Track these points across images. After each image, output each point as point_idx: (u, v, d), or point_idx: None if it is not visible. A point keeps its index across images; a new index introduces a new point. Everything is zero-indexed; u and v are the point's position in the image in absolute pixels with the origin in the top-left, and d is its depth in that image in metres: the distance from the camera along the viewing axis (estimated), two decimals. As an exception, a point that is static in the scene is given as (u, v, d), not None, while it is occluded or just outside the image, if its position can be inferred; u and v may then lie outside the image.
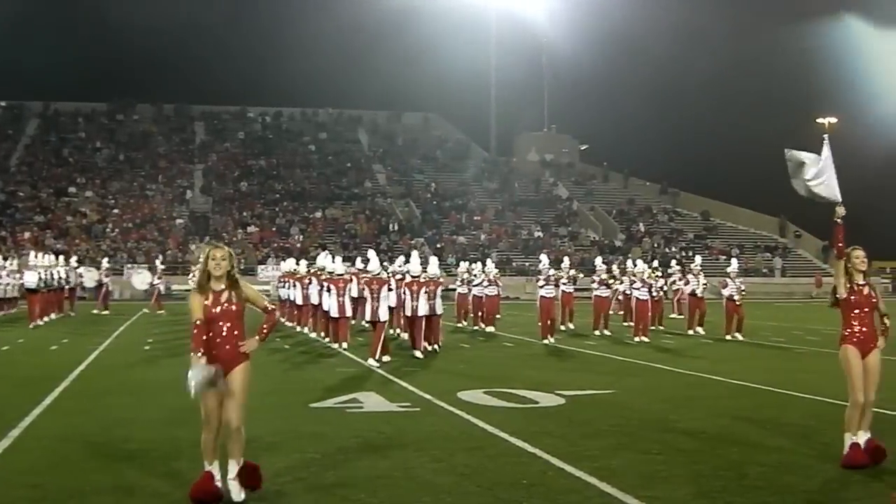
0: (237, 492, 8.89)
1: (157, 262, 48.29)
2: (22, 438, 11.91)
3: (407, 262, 25.81)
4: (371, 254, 24.70)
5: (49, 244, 64.52)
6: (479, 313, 33.47)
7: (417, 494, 9.13)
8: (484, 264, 35.18)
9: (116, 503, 8.92)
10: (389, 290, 23.07)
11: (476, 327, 32.91)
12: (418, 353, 22.73)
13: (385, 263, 29.47)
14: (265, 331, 9.17)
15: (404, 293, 24.01)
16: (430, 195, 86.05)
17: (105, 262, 47.09)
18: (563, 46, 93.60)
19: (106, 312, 42.09)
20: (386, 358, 21.80)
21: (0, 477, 9.82)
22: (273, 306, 9.42)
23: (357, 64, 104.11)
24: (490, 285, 32.79)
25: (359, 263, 26.72)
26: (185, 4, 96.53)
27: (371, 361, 21.23)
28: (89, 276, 46.11)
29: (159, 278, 46.47)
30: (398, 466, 10.29)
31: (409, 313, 23.76)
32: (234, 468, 8.93)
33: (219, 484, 8.90)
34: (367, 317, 22.74)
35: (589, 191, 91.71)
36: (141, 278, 45.30)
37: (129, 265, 65.40)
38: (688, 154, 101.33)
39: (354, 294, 25.58)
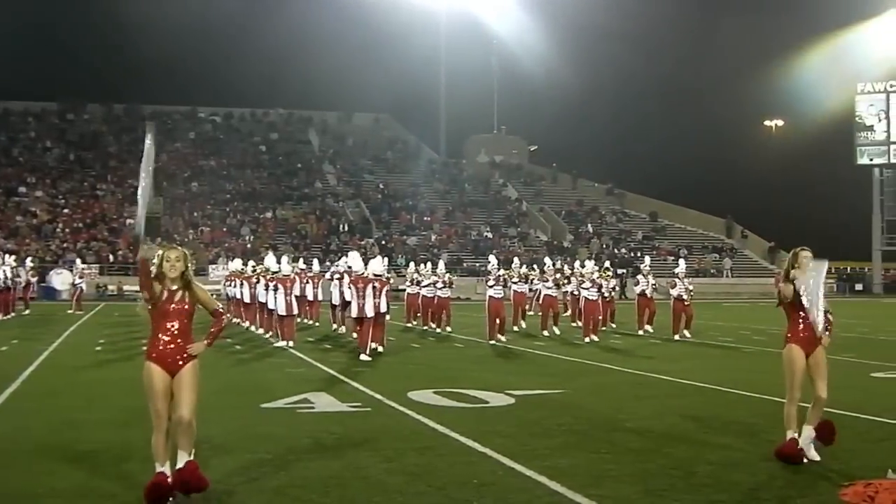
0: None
1: (78, 263, 48.11)
2: (-29, 440, 11.84)
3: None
4: (354, 254, 25.97)
5: (-1, 244, 64.05)
6: (430, 314, 33.37)
7: (369, 494, 9.16)
8: (436, 265, 35.00)
9: (68, 505, 8.88)
10: (374, 287, 23.48)
11: (426, 327, 32.81)
12: (364, 356, 22.45)
13: (327, 263, 30.71)
14: (213, 334, 9.21)
15: (351, 291, 24.34)
16: (380, 196, 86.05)
17: (29, 262, 46.80)
18: (514, 48, 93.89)
19: (80, 313, 41.85)
20: (379, 348, 23.65)
21: (-50, 478, 9.76)
22: (222, 310, 9.44)
23: (307, 64, 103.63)
24: (444, 287, 32.57)
25: (301, 264, 29.04)
26: (136, 5, 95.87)
27: (363, 357, 22.21)
28: (60, 279, 45.70)
29: (80, 278, 46.30)
30: (349, 466, 10.32)
31: (355, 314, 23.77)
32: (183, 458, 8.86)
33: (171, 481, 8.86)
34: (354, 313, 23.54)
35: (538, 192, 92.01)
36: (61, 279, 45.06)
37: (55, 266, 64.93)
38: (636, 155, 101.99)
39: (297, 293, 27.18)
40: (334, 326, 31.63)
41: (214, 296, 9.53)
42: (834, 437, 10.57)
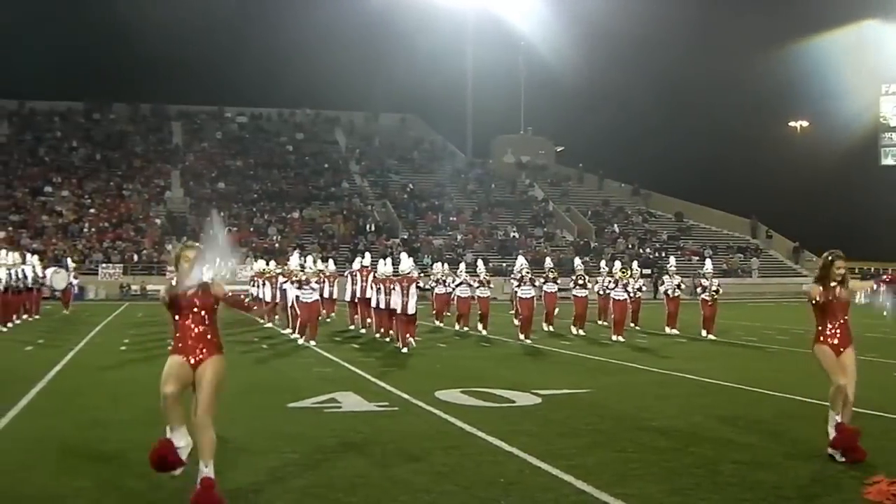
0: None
1: (69, 262, 48.28)
2: (-2, 440, 11.93)
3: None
4: (403, 255, 27.29)
5: (25, 244, 64.29)
6: (465, 315, 32.87)
7: (395, 494, 9.17)
8: (475, 266, 34.38)
9: (93, 504, 8.93)
10: (419, 287, 26.01)
11: (462, 328, 32.26)
12: (405, 349, 24.30)
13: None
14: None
15: (392, 290, 25.76)
16: (406, 196, 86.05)
17: (70, 263, 46.94)
18: (540, 49, 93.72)
19: (66, 313, 42.04)
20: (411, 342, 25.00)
21: (-23, 477, 9.83)
22: (248, 299, 9.43)
23: (334, 65, 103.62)
24: (482, 286, 32.14)
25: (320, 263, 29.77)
26: (162, 4, 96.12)
27: (404, 350, 24.24)
28: (59, 279, 45.66)
29: (75, 278, 46.46)
30: (376, 466, 10.35)
31: (399, 311, 25.33)
32: (202, 472, 8.66)
33: (179, 452, 8.86)
34: (399, 310, 25.14)
35: (564, 192, 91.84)
36: (60, 277, 45.13)
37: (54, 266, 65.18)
38: (661, 156, 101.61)
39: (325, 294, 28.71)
40: (351, 325, 32.94)
41: (243, 296, 9.55)
42: (853, 452, 10.50)
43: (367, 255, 34.27)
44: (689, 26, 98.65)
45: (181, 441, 8.92)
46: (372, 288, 29.12)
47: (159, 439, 8.90)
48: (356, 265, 33.24)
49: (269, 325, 33.27)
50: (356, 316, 32.90)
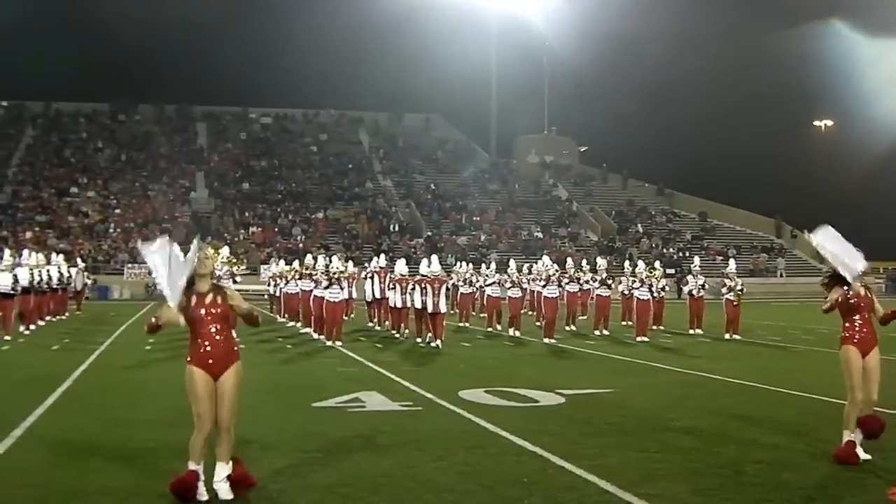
0: (225, 491, 8.96)
1: (78, 261, 48.52)
2: (24, 438, 11.97)
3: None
4: (434, 258, 28.18)
5: (51, 244, 64.62)
6: (495, 314, 32.72)
7: (419, 493, 9.20)
8: (507, 266, 34.11)
9: (118, 503, 8.97)
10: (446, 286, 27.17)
11: (490, 328, 32.02)
12: (437, 343, 25.62)
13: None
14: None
15: (424, 291, 26.60)
16: (430, 196, 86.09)
17: (80, 263, 47.04)
18: (564, 49, 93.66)
19: (79, 313, 42.23)
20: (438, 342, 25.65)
21: (2, 476, 9.89)
22: (257, 313, 9.44)
23: (358, 65, 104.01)
24: (513, 286, 31.81)
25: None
26: (187, 4, 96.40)
27: (437, 343, 25.48)
28: (77, 279, 45.64)
29: (89, 277, 46.55)
30: (400, 465, 10.36)
31: (431, 310, 26.35)
32: (222, 471, 8.98)
33: (200, 485, 8.92)
34: (430, 309, 26.15)
35: (588, 192, 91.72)
36: (78, 279, 44.98)
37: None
38: (685, 155, 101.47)
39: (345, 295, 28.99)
40: (369, 323, 34.30)
41: (266, 296, 9.60)
42: (877, 431, 10.48)
43: (383, 256, 35.44)
44: (714, 26, 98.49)
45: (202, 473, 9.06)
46: (389, 287, 30.12)
47: (187, 471, 8.97)
48: (373, 265, 34.24)
49: (292, 324, 33.48)
50: (374, 315, 34.07)
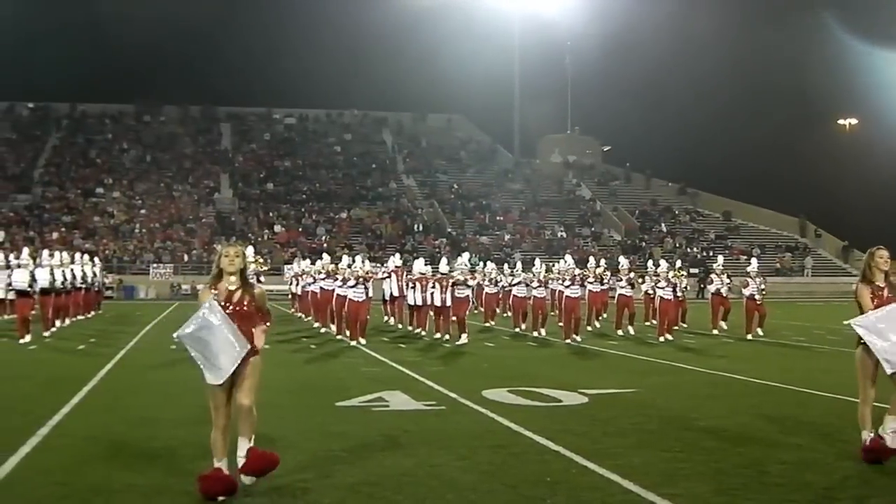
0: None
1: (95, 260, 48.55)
2: (50, 437, 11.99)
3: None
4: (444, 260, 31.00)
5: (77, 244, 64.95)
6: (522, 314, 32.41)
7: (442, 492, 9.18)
8: (532, 265, 34.11)
9: (143, 501, 8.98)
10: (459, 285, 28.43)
11: (517, 329, 31.92)
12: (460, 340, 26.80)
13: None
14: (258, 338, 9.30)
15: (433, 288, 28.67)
16: (453, 196, 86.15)
17: (97, 262, 46.85)
18: (587, 48, 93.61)
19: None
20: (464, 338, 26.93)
21: (29, 475, 9.92)
22: (267, 325, 9.44)
23: (381, 65, 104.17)
24: (540, 286, 31.36)
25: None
26: (212, 6, 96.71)
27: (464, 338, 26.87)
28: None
29: (106, 277, 46.54)
30: (423, 464, 10.35)
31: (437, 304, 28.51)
32: (244, 446, 9.00)
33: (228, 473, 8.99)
34: (418, 301, 29.43)
35: (612, 191, 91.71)
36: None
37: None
38: (709, 155, 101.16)
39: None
40: (385, 319, 35.56)
41: (289, 295, 9.64)
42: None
43: (398, 255, 37.67)
44: (737, 24, 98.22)
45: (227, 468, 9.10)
46: (407, 286, 31.72)
47: (212, 469, 9.03)
48: (391, 265, 35.23)
49: (317, 324, 33.62)
50: (392, 311, 35.22)
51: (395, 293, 33.90)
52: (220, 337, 8.86)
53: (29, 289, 27.94)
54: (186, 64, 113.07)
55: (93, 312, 40.13)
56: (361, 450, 11.08)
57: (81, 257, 39.55)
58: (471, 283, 30.51)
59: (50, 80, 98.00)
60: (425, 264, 32.11)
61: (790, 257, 79.17)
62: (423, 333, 29.69)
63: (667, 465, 10.35)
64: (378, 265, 37.70)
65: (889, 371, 10.07)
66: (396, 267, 34.47)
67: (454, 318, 28.10)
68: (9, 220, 72.43)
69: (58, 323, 31.54)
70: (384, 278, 34.06)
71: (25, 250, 30.37)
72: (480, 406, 14.40)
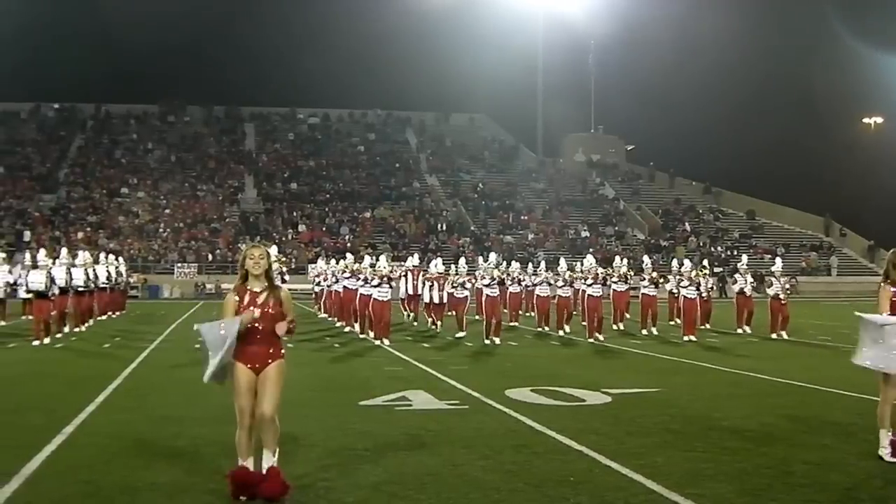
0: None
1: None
2: (75, 435, 12.09)
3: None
4: (437, 261, 34.53)
5: (102, 244, 65.22)
6: (546, 314, 32.50)
7: (465, 491, 9.20)
8: (557, 264, 34.55)
9: (167, 499, 9.03)
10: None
11: (541, 328, 31.90)
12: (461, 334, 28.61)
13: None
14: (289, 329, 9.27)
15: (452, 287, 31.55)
16: (477, 195, 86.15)
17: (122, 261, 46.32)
18: (610, 47, 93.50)
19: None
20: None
21: (55, 472, 9.97)
22: (293, 325, 9.37)
23: (404, 65, 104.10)
24: (565, 285, 31.45)
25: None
26: (236, 7, 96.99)
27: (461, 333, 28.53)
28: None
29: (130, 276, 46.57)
30: (446, 463, 10.37)
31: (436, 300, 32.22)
32: (269, 459, 8.98)
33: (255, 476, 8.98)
34: (436, 300, 32.40)
35: (635, 191, 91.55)
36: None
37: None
38: (732, 153, 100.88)
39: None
40: (404, 315, 36.95)
41: (313, 294, 9.66)
42: None
43: (416, 255, 38.74)
44: (760, 23, 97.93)
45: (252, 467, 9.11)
46: (423, 285, 33.45)
47: (238, 466, 9.05)
48: (408, 264, 36.45)
49: (340, 323, 33.74)
50: (409, 311, 37.03)
51: (411, 291, 35.48)
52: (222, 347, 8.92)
53: (46, 290, 27.39)
54: (211, 64, 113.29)
55: (118, 312, 40.27)
56: (384, 449, 11.10)
57: (107, 257, 39.65)
58: (468, 284, 31.49)
59: (75, 80, 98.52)
60: (442, 264, 34.22)
61: (816, 257, 78.88)
62: (438, 330, 31.44)
63: (690, 464, 10.34)
64: (399, 264, 37.98)
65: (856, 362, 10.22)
66: (413, 266, 35.87)
67: (452, 313, 30.95)
68: (34, 220, 72.75)
69: (85, 324, 31.69)
70: (400, 276, 34.43)
71: (42, 251, 29.92)
72: (503, 405, 14.40)
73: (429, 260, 43.21)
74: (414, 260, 36.78)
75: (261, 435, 9.03)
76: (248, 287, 9.16)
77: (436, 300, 32.64)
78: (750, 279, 32.01)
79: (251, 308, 9.02)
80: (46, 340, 26.21)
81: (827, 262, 78.31)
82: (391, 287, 27.62)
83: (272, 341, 9.10)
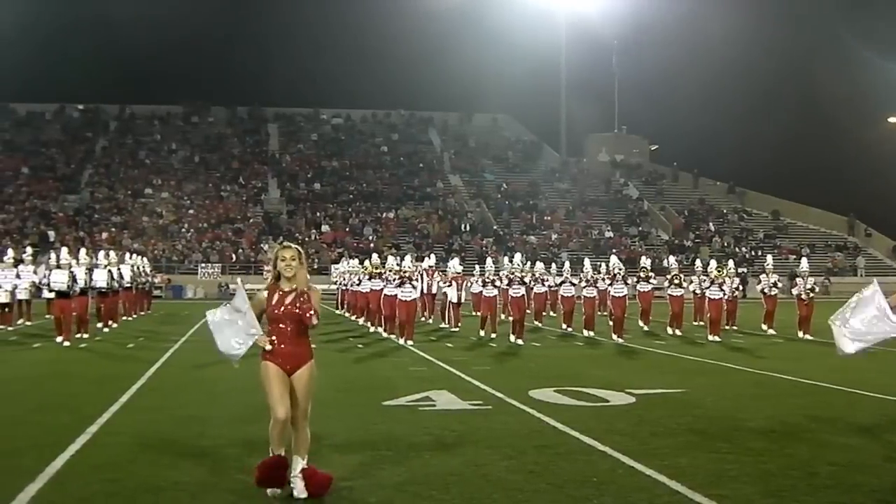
0: (300, 489, 8.88)
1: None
2: (99, 435, 12.11)
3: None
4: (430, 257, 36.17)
5: (126, 244, 65.48)
6: (570, 313, 32.34)
7: (488, 491, 9.17)
8: (581, 264, 34.60)
9: (191, 498, 9.03)
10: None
11: (566, 327, 31.68)
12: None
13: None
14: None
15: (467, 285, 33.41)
16: (500, 195, 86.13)
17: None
18: (634, 47, 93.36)
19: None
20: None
21: (78, 472, 10.00)
22: (316, 322, 9.30)
23: (427, 66, 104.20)
24: (588, 286, 31.45)
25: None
26: (260, 8, 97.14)
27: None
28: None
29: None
30: (470, 464, 10.34)
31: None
32: (298, 465, 8.93)
33: (287, 473, 8.95)
34: (454, 299, 33.34)
35: (659, 191, 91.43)
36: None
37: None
38: (757, 154, 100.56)
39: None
40: (423, 316, 36.83)
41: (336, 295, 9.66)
42: None
43: (433, 256, 40.29)
44: (785, 24, 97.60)
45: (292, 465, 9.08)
46: (447, 284, 34.54)
47: (275, 455, 9.02)
48: (425, 264, 36.98)
49: (363, 322, 33.89)
50: (424, 307, 37.24)
51: (425, 290, 35.81)
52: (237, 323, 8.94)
53: (67, 290, 27.26)
54: (234, 65, 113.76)
55: (143, 312, 40.41)
56: (408, 449, 11.09)
57: (131, 257, 39.77)
58: (497, 283, 30.76)
59: (99, 82, 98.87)
60: (459, 264, 35.80)
61: (842, 257, 78.63)
62: (456, 329, 32.21)
63: (714, 465, 10.30)
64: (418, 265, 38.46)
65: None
66: (429, 266, 36.78)
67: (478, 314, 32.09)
68: (59, 220, 73.08)
69: (110, 324, 31.78)
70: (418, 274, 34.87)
71: (64, 250, 29.78)
72: (527, 406, 14.38)
73: (446, 261, 44.29)
74: (430, 260, 37.65)
75: (293, 441, 9.00)
76: (280, 286, 9.13)
77: (454, 299, 33.71)
78: (772, 279, 31.89)
79: (265, 340, 9.02)
80: (66, 344, 25.99)
81: (853, 262, 78.04)
82: (414, 287, 27.62)
83: (300, 342, 9.07)
